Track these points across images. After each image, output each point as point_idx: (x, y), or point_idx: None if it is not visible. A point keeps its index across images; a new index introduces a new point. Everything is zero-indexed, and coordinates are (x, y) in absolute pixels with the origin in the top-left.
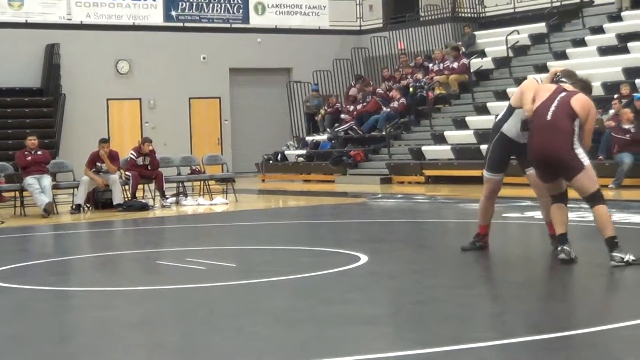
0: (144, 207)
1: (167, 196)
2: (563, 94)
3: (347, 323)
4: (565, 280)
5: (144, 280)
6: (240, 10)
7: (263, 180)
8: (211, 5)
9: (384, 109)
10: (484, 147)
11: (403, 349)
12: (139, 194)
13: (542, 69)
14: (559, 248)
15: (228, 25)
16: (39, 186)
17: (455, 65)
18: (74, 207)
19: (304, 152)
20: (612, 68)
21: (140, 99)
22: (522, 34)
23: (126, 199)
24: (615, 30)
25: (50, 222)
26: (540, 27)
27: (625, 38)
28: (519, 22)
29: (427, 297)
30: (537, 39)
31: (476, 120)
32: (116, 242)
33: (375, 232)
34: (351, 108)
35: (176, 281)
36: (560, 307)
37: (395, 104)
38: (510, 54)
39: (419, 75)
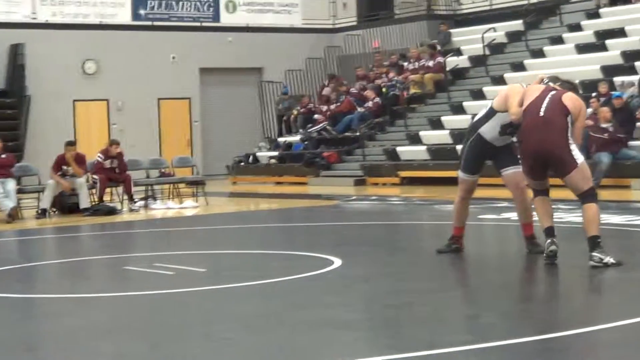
0: (112, 211)
1: (135, 200)
2: (553, 92)
3: (320, 328)
4: (542, 283)
5: (111, 286)
6: (211, 9)
7: (234, 183)
8: (181, 3)
9: (358, 109)
10: (460, 148)
11: (378, 354)
12: (106, 197)
13: (519, 67)
14: (548, 241)
15: (198, 24)
16: (3, 190)
17: (431, 63)
18: (39, 211)
19: (276, 153)
20: (590, 66)
21: (107, 100)
22: (498, 31)
23: (93, 203)
24: (593, 27)
25: (14, 227)
26: (517, 24)
27: (603, 35)
28: (495, 20)
29: (401, 300)
30: (513, 36)
31: (452, 120)
32: (83, 247)
33: (349, 235)
34: (324, 108)
35: (144, 287)
36: (537, 309)
37: (369, 103)
38: (487, 52)
39: (392, 74)
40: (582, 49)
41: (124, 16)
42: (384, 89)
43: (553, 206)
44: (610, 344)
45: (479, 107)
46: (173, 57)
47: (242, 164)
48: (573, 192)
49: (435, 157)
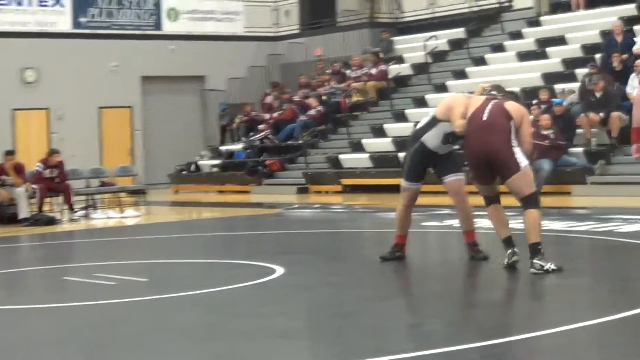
0: (52, 222)
1: (75, 209)
2: (495, 100)
3: (262, 337)
4: (484, 290)
5: (50, 297)
6: (152, 17)
7: (176, 192)
8: (122, 11)
9: (301, 117)
10: (402, 155)
11: None
12: (46, 207)
13: (461, 74)
14: (510, 251)
15: (139, 32)
16: None
17: (374, 71)
18: None
19: (218, 162)
20: (531, 73)
21: (48, 109)
22: (440, 39)
23: (32, 213)
24: (534, 35)
25: None
26: (459, 32)
27: (544, 43)
28: (437, 27)
29: (344, 309)
30: (455, 44)
31: (394, 128)
32: (22, 258)
33: (291, 244)
34: (267, 116)
35: (84, 298)
36: (480, 316)
37: (312, 111)
38: (429, 60)
39: (333, 82)
40: (523, 56)
41: (64, 24)
42: (324, 97)
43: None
44: (552, 349)
45: (421, 115)
46: (114, 66)
47: (184, 172)
48: (515, 197)
49: (377, 164)
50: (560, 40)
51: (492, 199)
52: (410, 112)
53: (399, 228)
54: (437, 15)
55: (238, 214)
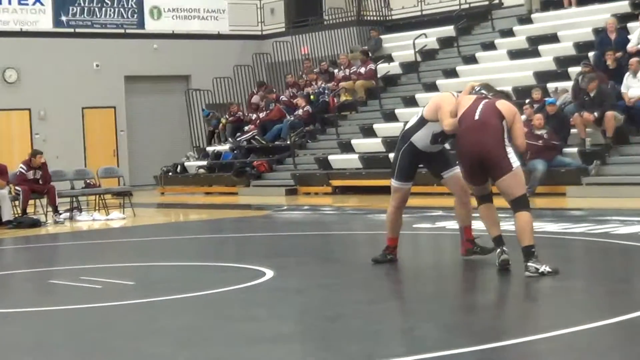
0: (36, 224)
1: (60, 212)
2: (486, 100)
3: (252, 342)
4: (478, 293)
5: (35, 301)
6: (135, 15)
7: (162, 194)
8: (104, 9)
9: (288, 116)
10: (392, 156)
11: None
12: (29, 209)
13: (451, 73)
14: (499, 250)
15: (122, 31)
16: None
17: (363, 70)
18: None
19: (204, 163)
20: (523, 72)
21: (29, 110)
22: (430, 37)
23: (16, 216)
24: (526, 33)
25: None
26: (448, 30)
27: (535, 41)
28: (426, 26)
29: (335, 313)
30: (445, 42)
31: (384, 128)
32: (6, 261)
33: (280, 246)
34: (254, 116)
35: (70, 301)
36: (473, 320)
37: (299, 111)
38: (418, 59)
39: (321, 82)
40: (515, 54)
41: (45, 23)
42: (312, 96)
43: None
44: (547, 354)
45: (411, 114)
46: (97, 65)
47: (170, 174)
48: (505, 198)
49: (367, 165)
50: (552, 38)
51: (484, 198)
52: (400, 111)
53: (390, 230)
54: (426, 12)
55: (226, 216)
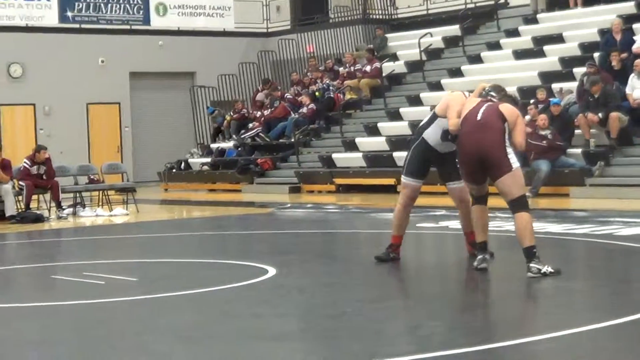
0: (39, 219)
1: (63, 207)
2: (490, 102)
3: (255, 339)
4: (481, 293)
5: (39, 296)
6: (141, 11)
7: (166, 190)
8: (109, 5)
9: (293, 114)
10: (397, 155)
11: None
12: (33, 204)
13: (456, 73)
14: (480, 257)
15: (128, 27)
16: None
17: (368, 68)
18: None
19: (208, 160)
20: (528, 72)
21: (34, 105)
22: (435, 36)
23: (20, 210)
24: (531, 33)
25: None
26: (454, 29)
27: (541, 41)
28: (432, 25)
29: (338, 311)
30: (451, 42)
31: (389, 127)
32: (9, 256)
33: (283, 244)
34: (258, 114)
35: (74, 297)
36: (476, 320)
37: (304, 109)
38: (424, 58)
39: (327, 79)
40: (520, 54)
41: (51, 18)
42: (317, 93)
43: (490, 214)
44: (548, 355)
45: (415, 114)
46: (102, 61)
47: (174, 170)
48: (504, 199)
49: (371, 164)
50: (557, 39)
51: (479, 199)
52: (404, 110)
53: (396, 228)
54: (431, 12)
55: (229, 213)
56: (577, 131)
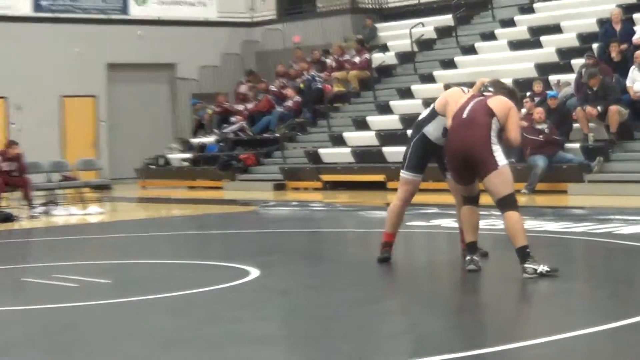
0: (9, 218)
1: (35, 205)
2: (480, 97)
3: (237, 343)
4: (474, 294)
5: (7, 299)
6: (119, 0)
7: (143, 187)
8: None
9: (277, 108)
10: (386, 150)
11: None
12: (3, 203)
13: (449, 64)
14: (468, 258)
15: (105, 17)
16: None
17: (357, 60)
18: None
19: (189, 155)
20: (524, 64)
21: (5, 98)
22: (427, 26)
23: None
24: (527, 23)
25: None
26: (446, 19)
27: (537, 31)
28: (423, 14)
29: (324, 314)
30: (443, 32)
31: (378, 121)
32: None
33: (267, 244)
34: (241, 107)
35: (44, 300)
36: (470, 323)
37: (289, 102)
38: (415, 49)
39: (313, 72)
40: (516, 45)
41: (24, 7)
42: (301, 85)
43: (485, 213)
44: (546, 358)
45: (406, 107)
46: (77, 52)
47: (152, 166)
48: (492, 198)
49: (360, 160)
50: (555, 29)
51: (470, 200)
52: (394, 103)
53: (390, 225)
54: (423, 1)
55: (210, 211)
56: (575, 125)
